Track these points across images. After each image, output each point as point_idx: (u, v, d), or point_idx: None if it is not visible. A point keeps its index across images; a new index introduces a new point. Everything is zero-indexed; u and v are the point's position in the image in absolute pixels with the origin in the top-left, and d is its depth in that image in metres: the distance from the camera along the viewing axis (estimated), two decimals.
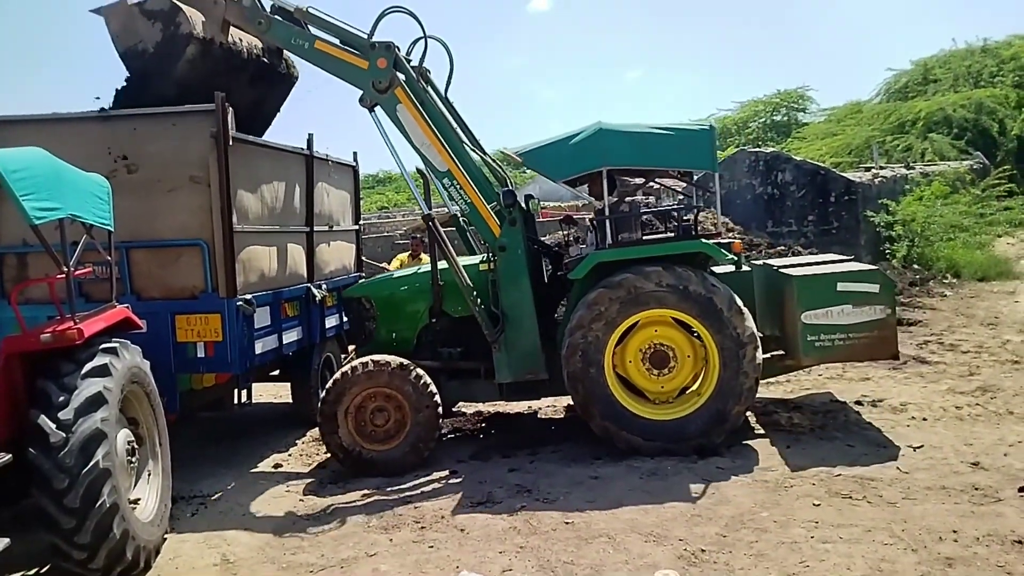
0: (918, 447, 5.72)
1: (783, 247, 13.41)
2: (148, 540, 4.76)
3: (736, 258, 6.55)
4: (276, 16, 6.62)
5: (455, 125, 6.91)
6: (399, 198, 47.75)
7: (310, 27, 6.67)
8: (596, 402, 6.17)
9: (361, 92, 6.46)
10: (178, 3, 6.52)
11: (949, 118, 22.58)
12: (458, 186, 6.47)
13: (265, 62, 7.27)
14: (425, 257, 12.05)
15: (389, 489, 5.94)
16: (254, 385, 7.23)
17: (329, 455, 6.98)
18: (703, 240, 6.36)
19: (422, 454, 6.35)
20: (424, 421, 6.30)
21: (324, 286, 7.89)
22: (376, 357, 6.41)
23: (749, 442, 6.27)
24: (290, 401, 8.20)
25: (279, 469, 6.71)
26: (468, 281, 6.44)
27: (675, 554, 4.42)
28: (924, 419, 6.52)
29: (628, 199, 7.09)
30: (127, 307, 5.45)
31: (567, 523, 4.99)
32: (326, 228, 8.22)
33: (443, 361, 6.84)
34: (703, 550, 4.43)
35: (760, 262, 7.65)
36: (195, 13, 6.54)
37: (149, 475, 5.22)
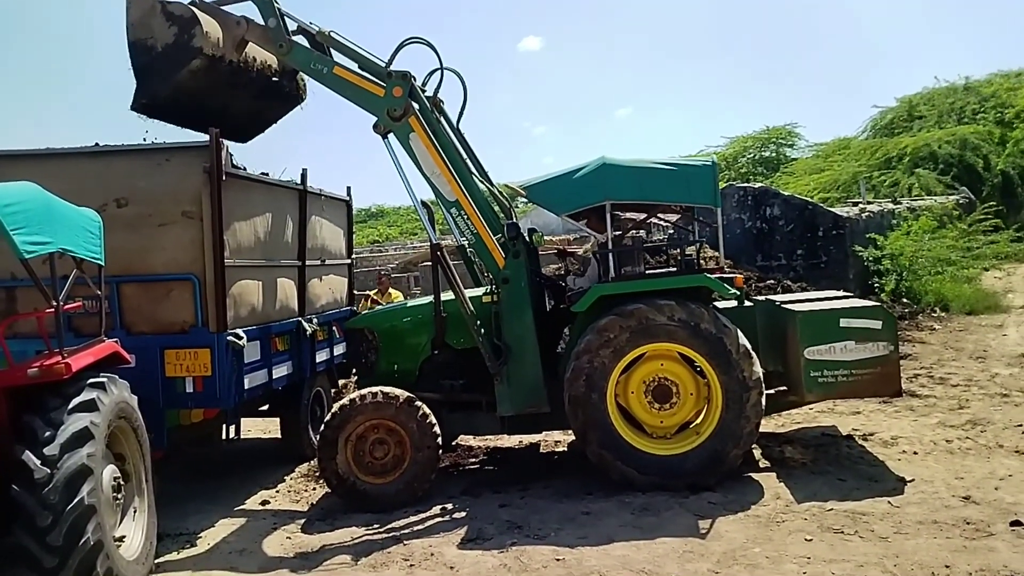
0: (909, 481, 5.71)
1: (772, 280, 13.48)
2: None
3: (739, 293, 6.56)
4: (297, 38, 6.69)
5: (465, 156, 6.99)
6: (391, 232, 47.93)
7: (331, 51, 6.76)
8: (595, 428, 6.13)
9: (375, 119, 6.54)
10: (200, 14, 6.55)
11: (934, 154, 22.94)
12: (465, 216, 6.52)
13: (274, 81, 7.30)
14: (394, 292, 12.08)
15: (378, 526, 5.87)
16: (243, 420, 7.16)
17: (318, 490, 6.92)
18: (706, 275, 6.38)
19: (416, 493, 6.29)
20: (423, 460, 6.26)
21: (315, 320, 7.88)
22: (384, 389, 6.38)
23: (742, 476, 6.23)
24: (279, 437, 8.12)
25: (267, 506, 6.63)
26: (473, 312, 6.40)
27: None
28: (915, 452, 6.51)
29: (632, 233, 7.14)
30: (116, 341, 5.43)
31: (558, 560, 4.94)
32: (318, 262, 8.23)
33: (445, 393, 6.79)
34: None
35: (763, 298, 7.64)
36: (213, 27, 6.55)
37: (135, 512, 5.15)
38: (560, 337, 7.03)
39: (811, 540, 4.85)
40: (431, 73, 6.91)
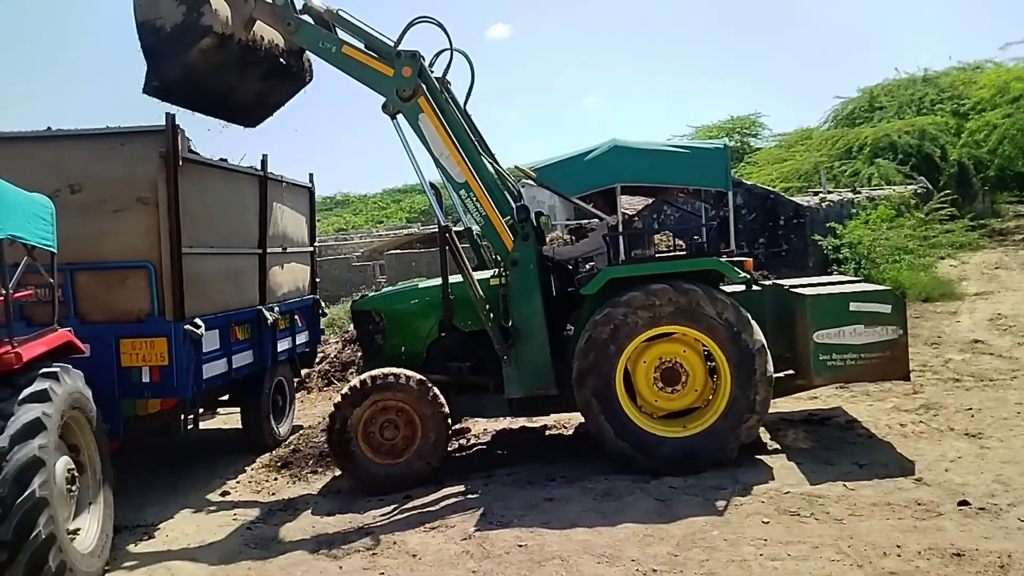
0: (863, 464, 5.84)
1: None
2: (87, 572, 4.60)
3: (749, 276, 6.57)
4: (305, 17, 6.57)
5: (473, 137, 6.94)
6: (357, 220, 47.47)
7: (338, 30, 6.64)
8: (600, 401, 6.13)
9: (384, 99, 6.45)
10: None
11: (894, 144, 23.32)
12: (474, 198, 6.48)
13: (281, 61, 7.17)
14: None
15: (340, 516, 5.85)
16: (202, 410, 7.06)
17: (280, 480, 6.87)
18: (717, 258, 6.40)
19: (425, 474, 6.32)
20: (433, 441, 6.31)
21: (277, 308, 7.79)
22: (395, 370, 6.39)
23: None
24: (240, 427, 8.03)
25: (227, 497, 6.56)
26: (481, 295, 6.40)
27: (627, 574, 4.43)
28: (870, 436, 6.65)
29: (642, 215, 7.13)
30: (69, 331, 5.31)
31: (520, 546, 4.96)
32: (280, 249, 8.13)
33: (452, 375, 6.79)
34: (655, 570, 4.44)
35: (770, 282, 7.65)
36: (222, 5, 6.39)
37: (90, 504, 5.05)
38: (568, 320, 7.02)
39: (768, 523, 4.94)
40: (439, 53, 6.82)
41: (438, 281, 6.83)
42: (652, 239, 6.83)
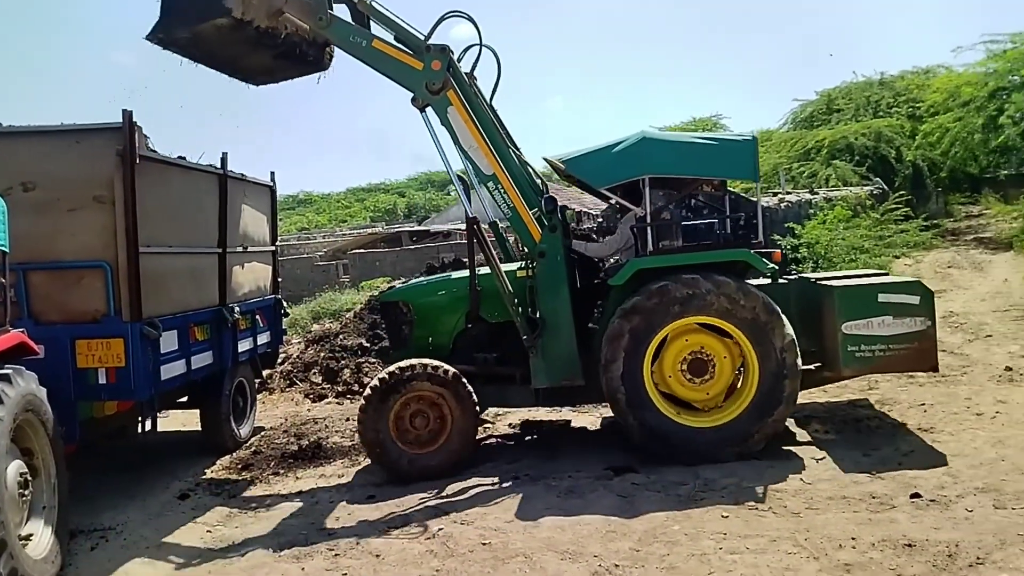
0: (820, 458, 5.96)
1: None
2: None
3: (776, 268, 6.60)
4: (338, 6, 6.57)
5: (500, 131, 6.98)
6: (320, 219, 47.05)
7: (371, 22, 6.66)
8: (627, 390, 6.16)
9: (413, 93, 6.50)
10: None
11: (851, 146, 23.83)
12: (502, 190, 6.54)
13: (300, 48, 7.09)
14: None
15: (302, 517, 5.80)
16: (161, 412, 6.94)
17: (240, 483, 6.79)
18: (746, 249, 6.43)
19: (456, 463, 6.39)
20: (463, 432, 6.40)
21: (237, 309, 7.69)
22: (426, 361, 6.45)
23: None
24: (199, 429, 7.90)
25: (186, 500, 6.45)
26: (509, 285, 6.44)
27: (590, 570, 4.47)
28: (827, 431, 6.80)
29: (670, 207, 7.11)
30: (22, 331, 5.17)
31: (484, 544, 4.98)
32: (240, 249, 8.02)
33: (479, 366, 6.83)
34: (617, 565, 4.49)
35: (796, 275, 7.63)
36: None
37: (44, 509, 4.94)
38: (593, 311, 7.03)
39: (727, 517, 5.02)
40: (467, 48, 6.86)
41: (466, 273, 6.90)
42: (680, 231, 6.83)
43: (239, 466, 7.25)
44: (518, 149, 7.19)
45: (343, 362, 10.89)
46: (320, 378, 10.72)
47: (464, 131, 6.50)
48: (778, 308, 6.13)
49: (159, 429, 6.85)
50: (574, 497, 5.68)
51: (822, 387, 7.27)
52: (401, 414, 6.39)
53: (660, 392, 6.32)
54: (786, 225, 15.40)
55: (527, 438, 7.64)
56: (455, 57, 6.68)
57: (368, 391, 6.45)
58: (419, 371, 6.38)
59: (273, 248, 9.12)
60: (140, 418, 6.50)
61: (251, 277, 8.37)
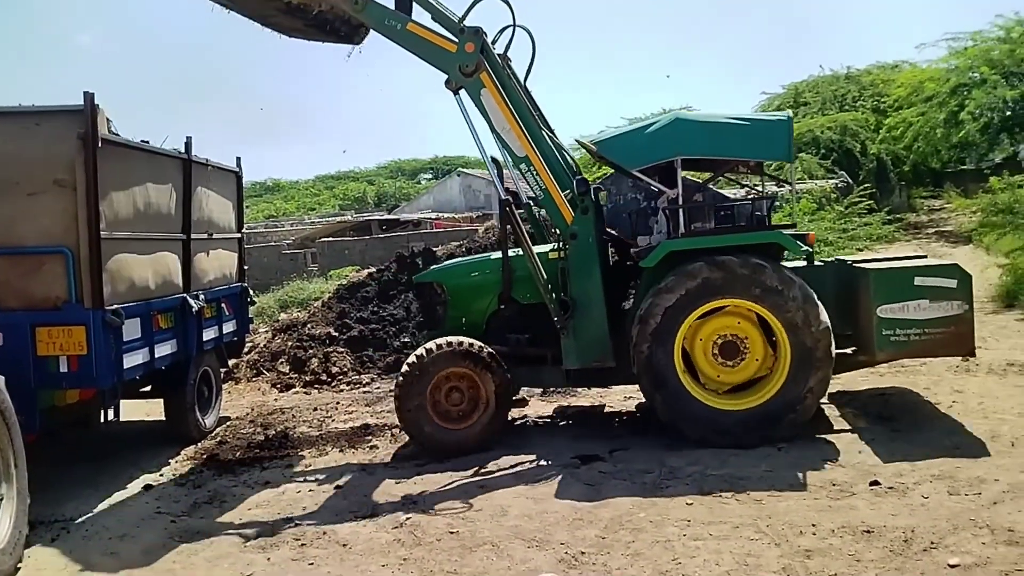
0: (781, 447, 6.07)
1: None
2: None
3: (810, 250, 6.57)
4: None
5: (533, 112, 6.96)
6: (288, 207, 46.52)
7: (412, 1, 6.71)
8: (657, 371, 6.17)
9: (447, 75, 6.52)
10: None
11: (817, 139, 24.18)
12: (534, 172, 6.55)
13: (333, 23, 7.13)
14: None
15: (268, 507, 5.77)
16: (123, 402, 6.83)
17: (206, 473, 6.73)
18: (780, 232, 6.40)
19: (488, 440, 6.55)
20: (496, 408, 6.54)
21: (202, 296, 7.58)
22: (461, 339, 6.56)
23: (631, 446, 6.46)
24: (163, 419, 7.80)
25: (150, 490, 6.37)
26: (541, 267, 6.49)
27: (556, 558, 4.51)
28: None
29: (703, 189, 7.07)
30: None
31: (452, 532, 4.99)
32: (205, 236, 7.91)
33: (511, 347, 6.89)
34: (583, 552, 4.54)
35: (833, 258, 7.59)
36: None
37: (2, 499, 4.84)
38: (626, 293, 7.02)
39: (691, 504, 5.10)
40: (502, 30, 6.88)
41: (499, 254, 6.96)
42: (713, 212, 6.81)
43: (204, 456, 7.17)
44: (552, 131, 7.20)
45: (311, 351, 10.82)
46: (287, 368, 10.64)
47: (497, 113, 6.54)
48: (812, 291, 6.07)
49: (122, 418, 6.75)
50: (541, 485, 5.71)
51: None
52: (437, 392, 6.51)
53: (691, 375, 6.31)
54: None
55: (561, 423, 7.64)
56: (489, 39, 6.70)
57: (406, 367, 6.57)
58: (455, 348, 6.49)
59: (239, 235, 9.01)
60: (102, 407, 6.40)
61: (216, 264, 8.26)
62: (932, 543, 4.26)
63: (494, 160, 6.98)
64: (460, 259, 8.48)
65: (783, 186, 19.07)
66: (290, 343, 11.11)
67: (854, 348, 6.61)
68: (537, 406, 8.13)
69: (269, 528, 5.33)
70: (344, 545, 4.94)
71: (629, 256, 7.07)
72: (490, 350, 6.57)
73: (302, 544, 5.02)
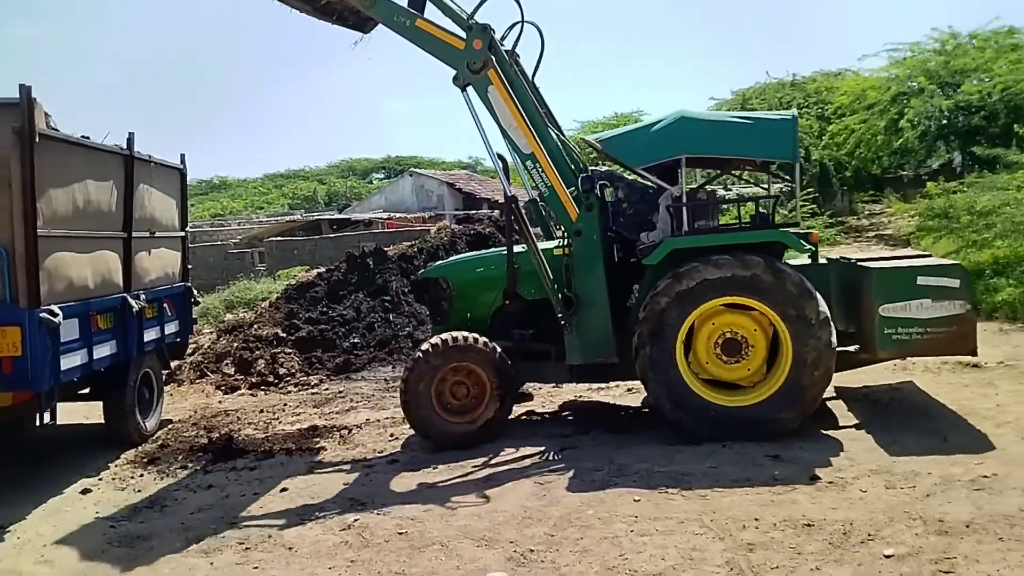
0: (726, 444, 6.18)
1: None
2: None
3: (813, 249, 6.61)
4: None
5: (540, 109, 7.00)
6: (235, 205, 45.64)
7: None
8: (660, 370, 6.21)
9: (455, 71, 6.58)
10: None
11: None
12: (540, 169, 6.60)
13: (339, 14, 7.20)
14: None
15: (212, 511, 5.65)
16: (61, 405, 6.61)
17: (146, 476, 6.57)
18: (782, 230, 6.41)
19: (491, 433, 6.63)
20: (499, 402, 6.62)
21: (143, 296, 7.39)
22: (466, 333, 6.62)
23: (577, 445, 6.51)
24: (102, 422, 7.57)
25: (88, 495, 6.17)
26: (545, 263, 6.53)
27: (505, 556, 4.52)
28: None
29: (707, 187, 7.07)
30: None
31: (400, 533, 4.96)
32: (147, 234, 7.72)
33: (516, 342, 6.97)
34: (532, 550, 4.56)
35: (836, 256, 7.65)
36: None
37: None
38: (630, 291, 7.02)
39: (639, 501, 5.16)
40: (512, 26, 6.91)
41: (503, 250, 6.99)
42: (716, 211, 6.74)
43: (145, 460, 6.99)
44: (559, 128, 7.28)
45: (257, 352, 10.63)
46: (233, 369, 10.44)
47: (504, 110, 6.59)
48: (813, 289, 6.11)
49: (59, 422, 6.53)
50: (492, 485, 5.72)
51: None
52: (442, 385, 6.58)
53: (693, 372, 6.34)
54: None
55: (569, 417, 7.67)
56: (498, 36, 6.78)
57: (412, 361, 6.65)
58: (460, 344, 6.55)
59: (183, 233, 8.82)
60: (38, 410, 6.18)
61: (159, 263, 8.07)
62: (869, 535, 4.39)
63: (500, 157, 7.02)
64: (466, 254, 8.54)
65: (730, 189, 19.48)
66: (236, 344, 10.90)
67: (857, 347, 6.65)
68: (545, 399, 8.22)
69: (212, 532, 5.22)
70: (290, 548, 4.87)
71: (634, 253, 7.09)
72: (494, 345, 6.63)
73: (246, 548, 4.93)
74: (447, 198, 35.35)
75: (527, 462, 6.17)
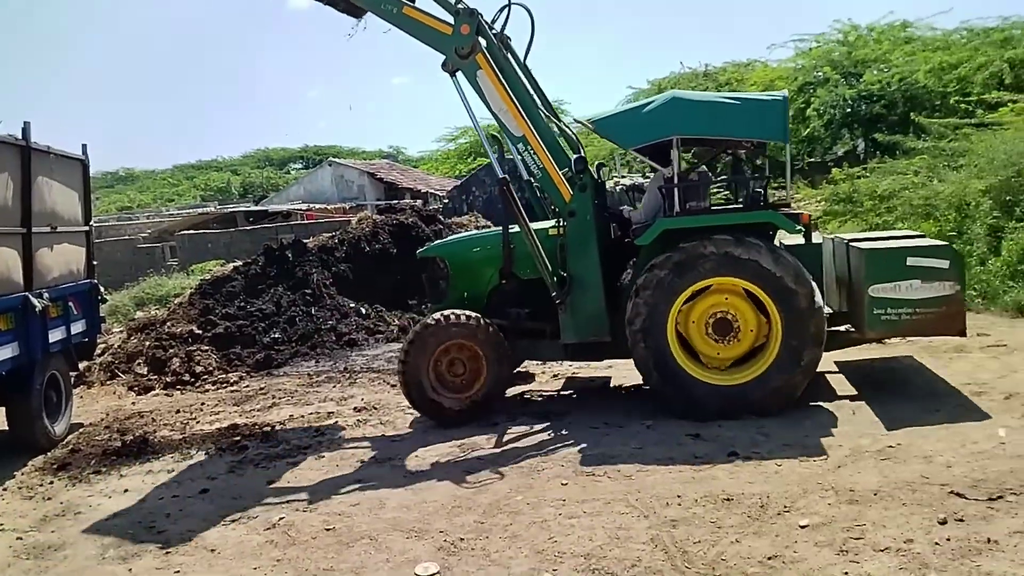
0: (648, 425, 6.34)
1: None
2: None
3: (804, 229, 6.59)
4: None
5: (532, 92, 7.07)
6: (143, 198, 43.87)
7: None
8: (653, 354, 6.26)
9: (444, 57, 6.61)
10: None
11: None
12: (531, 151, 6.65)
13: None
14: None
15: (129, 516, 5.43)
16: None
17: (56, 483, 6.27)
18: (772, 211, 6.42)
19: (489, 408, 6.79)
20: (496, 379, 6.78)
21: (46, 295, 7.01)
22: (461, 311, 6.75)
23: (508, 432, 6.55)
24: (6, 427, 7.16)
25: None
26: (538, 244, 6.56)
27: (435, 546, 4.51)
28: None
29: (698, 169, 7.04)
30: None
31: (328, 529, 4.89)
32: (48, 229, 7.32)
33: (512, 321, 7.07)
34: (462, 539, 4.57)
35: (831, 235, 7.60)
36: None
37: None
38: (624, 270, 6.98)
39: (566, 484, 5.24)
40: (501, 9, 6.93)
41: (499, 230, 7.12)
42: (707, 192, 6.79)
43: (55, 466, 6.66)
44: (551, 109, 7.33)
45: (171, 351, 10.25)
46: (146, 369, 10.03)
47: (493, 94, 6.62)
48: (804, 270, 6.17)
49: None
50: (420, 477, 5.70)
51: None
52: (439, 361, 6.71)
53: (684, 350, 6.37)
54: (620, 207, 16.13)
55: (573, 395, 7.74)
56: (488, 20, 6.84)
57: (408, 339, 6.81)
58: (456, 321, 6.67)
59: (87, 228, 8.40)
60: None
61: (62, 260, 7.67)
62: (785, 507, 4.59)
63: (493, 138, 7.04)
64: (463, 234, 8.53)
65: (648, 177, 19.91)
66: (148, 343, 10.48)
67: (848, 326, 6.74)
68: (545, 377, 8.37)
69: (130, 538, 5.03)
70: (212, 550, 4.74)
71: (628, 233, 7.12)
72: (490, 323, 6.74)
73: (167, 552, 4.77)
74: (368, 188, 34.82)
75: (457, 451, 6.17)
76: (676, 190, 6.52)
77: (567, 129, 7.51)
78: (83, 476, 6.42)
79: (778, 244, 6.59)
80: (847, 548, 4.01)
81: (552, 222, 7.03)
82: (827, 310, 6.47)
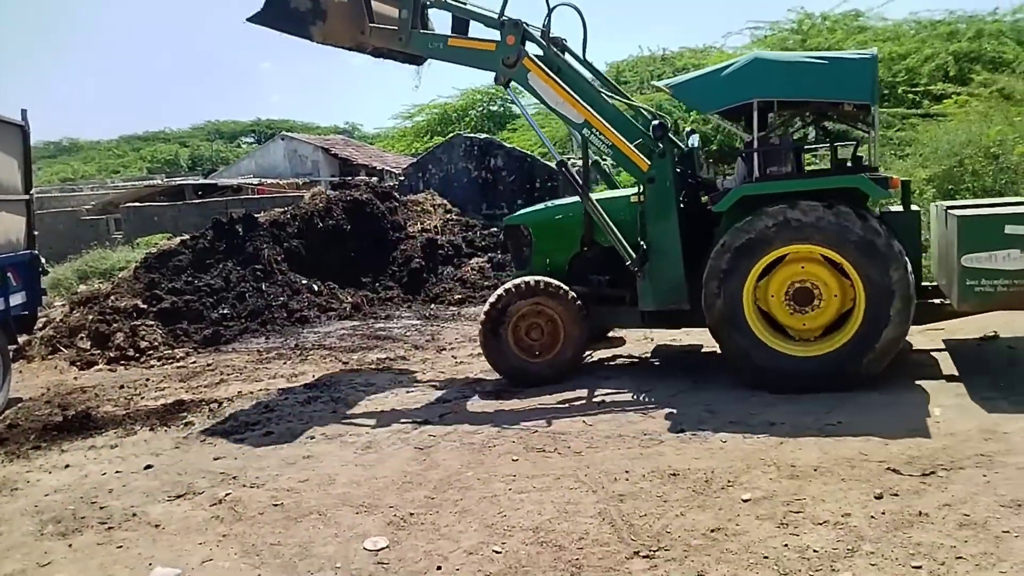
0: (600, 402, 6.42)
1: (496, 228, 14.19)
2: None
3: (893, 194, 6.42)
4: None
5: (591, 79, 7.40)
6: (87, 169, 42.50)
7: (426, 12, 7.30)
8: (727, 313, 6.22)
9: (495, 73, 6.91)
10: (334, 7, 6.98)
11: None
12: (597, 132, 6.75)
13: (387, 55, 7.62)
14: None
15: (70, 491, 5.31)
16: None
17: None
18: (860, 175, 6.09)
19: (566, 373, 7.02)
20: (573, 344, 6.98)
21: None
22: (541, 278, 7.01)
23: (458, 410, 6.57)
24: None
25: None
26: (604, 214, 6.73)
27: (385, 521, 4.51)
28: (607, 378, 7.29)
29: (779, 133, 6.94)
30: None
31: (276, 505, 4.85)
32: None
33: (591, 288, 7.21)
34: (412, 514, 4.58)
35: (935, 204, 7.37)
36: (339, 22, 7.04)
37: None
38: (709, 237, 6.75)
39: (517, 460, 5.28)
40: (550, 12, 7.14)
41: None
42: (792, 157, 6.52)
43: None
44: (619, 91, 7.75)
45: (115, 325, 9.99)
46: (88, 343, 9.76)
47: (547, 90, 6.82)
48: (892, 239, 5.89)
49: None
50: (371, 452, 5.69)
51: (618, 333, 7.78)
52: (520, 323, 6.95)
53: (764, 320, 6.24)
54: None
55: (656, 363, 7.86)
56: (542, 26, 7.15)
57: (488, 305, 7.02)
58: (535, 287, 6.90)
59: (27, 197, 8.09)
60: None
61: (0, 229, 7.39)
62: (729, 481, 4.70)
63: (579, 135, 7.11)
64: (547, 203, 8.55)
65: (604, 159, 19.99)
66: (91, 317, 10.19)
67: (943, 298, 6.48)
68: (637, 345, 8.46)
69: (71, 514, 4.92)
70: (156, 526, 4.67)
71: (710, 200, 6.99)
72: (568, 289, 6.92)
73: (109, 528, 4.68)
74: (322, 164, 34.22)
75: (408, 427, 6.16)
76: (756, 155, 6.37)
77: (640, 106, 7.69)
78: (21, 452, 6.24)
79: (875, 211, 6.32)
80: (787, 521, 4.13)
81: (633, 190, 7.03)
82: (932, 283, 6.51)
